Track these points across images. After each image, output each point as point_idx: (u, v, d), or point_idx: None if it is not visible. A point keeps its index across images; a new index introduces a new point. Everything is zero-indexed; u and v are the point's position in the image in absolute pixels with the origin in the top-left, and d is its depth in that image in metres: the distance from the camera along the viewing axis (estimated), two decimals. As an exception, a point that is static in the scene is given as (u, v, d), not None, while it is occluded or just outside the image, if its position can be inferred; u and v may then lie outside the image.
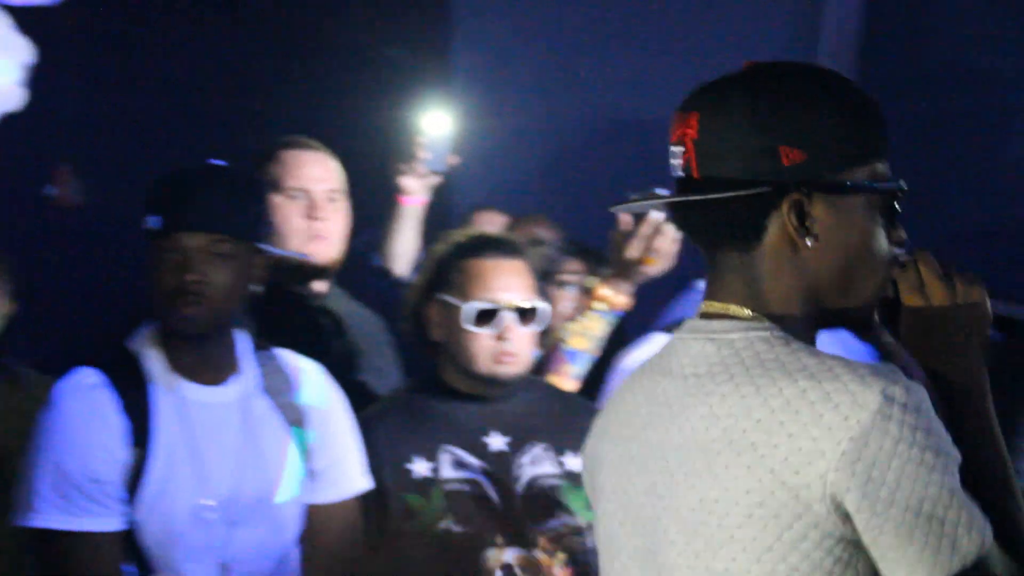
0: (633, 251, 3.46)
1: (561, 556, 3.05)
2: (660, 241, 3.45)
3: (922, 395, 1.63)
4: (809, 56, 5.65)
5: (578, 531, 3.09)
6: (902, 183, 1.78)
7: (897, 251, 1.80)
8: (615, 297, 3.51)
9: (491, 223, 4.55)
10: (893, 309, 1.82)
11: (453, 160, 3.81)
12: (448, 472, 3.06)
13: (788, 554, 1.64)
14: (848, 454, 1.60)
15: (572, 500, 3.11)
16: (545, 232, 4.59)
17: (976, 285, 1.82)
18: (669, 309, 4.05)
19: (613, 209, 2.04)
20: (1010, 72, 5.84)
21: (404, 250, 3.84)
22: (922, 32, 5.83)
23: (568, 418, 3.19)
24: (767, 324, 1.74)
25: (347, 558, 2.92)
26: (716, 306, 1.79)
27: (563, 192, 5.39)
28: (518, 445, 3.12)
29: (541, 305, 3.16)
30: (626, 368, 3.55)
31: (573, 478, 3.12)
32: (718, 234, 1.78)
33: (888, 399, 1.61)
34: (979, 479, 1.67)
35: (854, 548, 1.64)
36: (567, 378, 3.51)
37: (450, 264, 3.16)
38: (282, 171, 3.47)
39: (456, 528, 3.01)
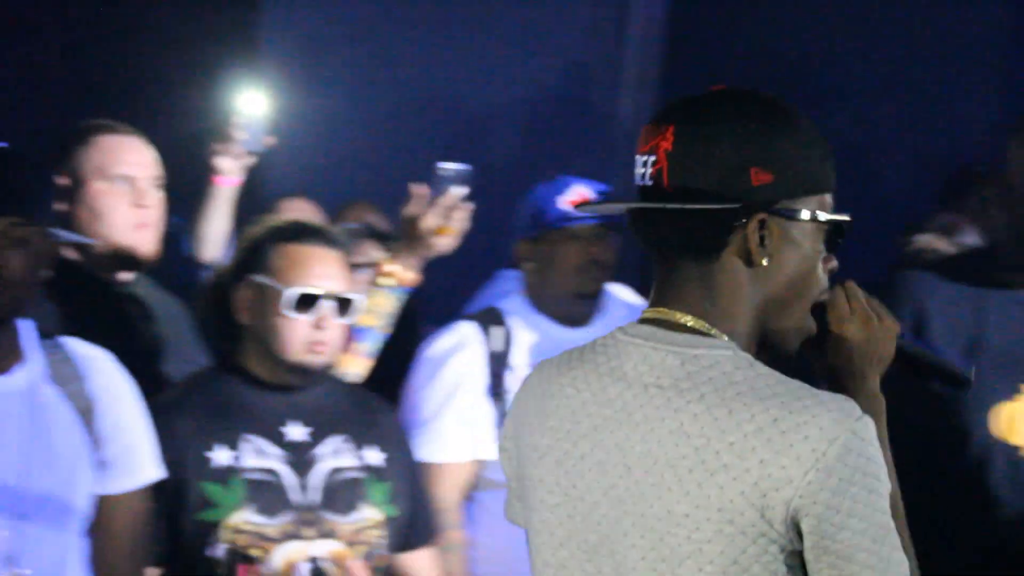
0: (429, 221, 3.45)
1: (361, 549, 3.04)
2: (456, 215, 3.46)
3: (873, 428, 1.77)
4: (617, 43, 5.71)
5: (377, 525, 3.09)
6: (847, 217, 1.89)
7: (824, 280, 1.92)
8: (403, 273, 3.49)
9: (299, 211, 4.51)
10: (817, 339, 1.95)
11: (269, 141, 3.76)
12: (249, 461, 3.01)
13: (751, 566, 1.76)
14: (814, 484, 1.73)
15: (372, 494, 3.11)
16: (372, 219, 4.57)
17: (891, 319, 1.96)
18: (476, 298, 4.07)
19: (577, 210, 2.03)
20: (818, 56, 5.98)
21: (215, 232, 3.78)
22: (729, 16, 5.94)
23: (363, 412, 3.17)
24: (728, 343, 1.84)
25: (137, 548, 2.85)
26: (666, 312, 1.87)
27: (373, 178, 5.36)
28: (319, 437, 3.08)
29: (358, 297, 3.14)
30: (434, 358, 3.57)
31: (372, 471, 3.10)
32: (679, 243, 1.86)
33: (852, 433, 1.74)
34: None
35: (800, 559, 1.77)
36: (358, 356, 3.47)
37: (268, 247, 3.10)
38: (103, 157, 3.36)
39: (258, 519, 2.98)
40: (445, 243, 3.50)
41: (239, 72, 4.30)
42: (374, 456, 3.13)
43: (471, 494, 3.55)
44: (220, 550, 2.95)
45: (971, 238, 4.09)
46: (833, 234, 1.90)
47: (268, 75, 4.44)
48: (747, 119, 1.84)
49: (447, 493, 3.47)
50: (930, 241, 3.95)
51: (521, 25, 5.59)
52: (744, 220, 1.83)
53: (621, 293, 3.79)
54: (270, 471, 3.02)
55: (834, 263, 1.93)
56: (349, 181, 5.42)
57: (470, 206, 3.48)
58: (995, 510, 2.81)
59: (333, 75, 5.81)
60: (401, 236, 3.53)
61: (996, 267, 2.85)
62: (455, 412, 3.50)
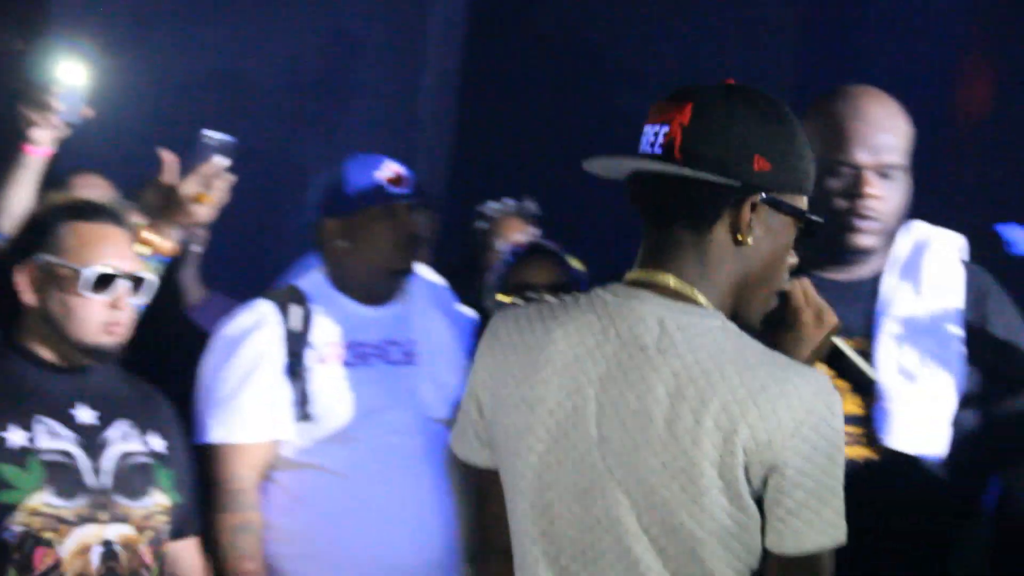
0: (187, 188, 3.40)
1: (149, 534, 3.01)
2: (217, 184, 3.41)
3: (841, 404, 2.01)
4: (418, 25, 5.70)
5: (165, 511, 3.05)
6: (821, 220, 2.13)
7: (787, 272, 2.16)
8: (161, 242, 3.42)
9: (92, 186, 4.39)
10: (772, 318, 2.22)
11: (87, 112, 3.65)
12: (44, 443, 2.94)
13: (735, 513, 1.98)
14: (791, 448, 1.97)
15: (160, 479, 3.07)
16: (100, 189, 4.44)
17: (834, 317, 2.27)
18: (279, 280, 4.03)
19: (587, 166, 2.27)
20: (610, 43, 6.06)
21: (19, 202, 3.65)
22: (530, 5, 5.97)
23: (142, 397, 3.15)
24: (716, 312, 2.05)
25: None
26: (653, 274, 2.07)
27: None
28: (106, 420, 3.03)
29: (150, 277, 3.08)
30: (231, 337, 3.52)
31: (158, 457, 3.08)
32: (678, 210, 2.06)
33: (827, 406, 1.99)
34: None
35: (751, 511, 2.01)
36: None
37: (55, 226, 3.02)
38: None
39: (56, 501, 2.91)
40: (204, 212, 3.43)
41: (52, 42, 4.17)
42: (157, 443, 3.11)
43: (270, 475, 3.52)
44: (15, 533, 2.88)
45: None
46: (803, 232, 2.12)
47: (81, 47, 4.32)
48: (758, 112, 2.06)
49: (244, 473, 3.44)
50: None
51: (320, 11, 5.55)
52: (740, 199, 2.05)
53: (425, 272, 3.79)
54: (65, 453, 2.96)
55: (795, 259, 2.15)
56: (143, 158, 5.30)
57: (232, 177, 3.43)
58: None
59: (127, 49, 5.67)
60: (156, 205, 3.45)
61: None
62: (252, 391, 3.46)
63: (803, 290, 2.28)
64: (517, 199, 4.18)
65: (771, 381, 1.99)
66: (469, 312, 3.79)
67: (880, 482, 2.88)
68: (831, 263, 2.96)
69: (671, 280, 2.07)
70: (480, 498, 2.28)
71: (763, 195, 2.06)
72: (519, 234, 4.11)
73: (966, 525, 2.99)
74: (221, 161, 3.42)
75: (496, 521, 2.22)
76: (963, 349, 2.97)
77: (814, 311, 2.27)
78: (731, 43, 6.16)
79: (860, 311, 2.98)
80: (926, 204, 3.18)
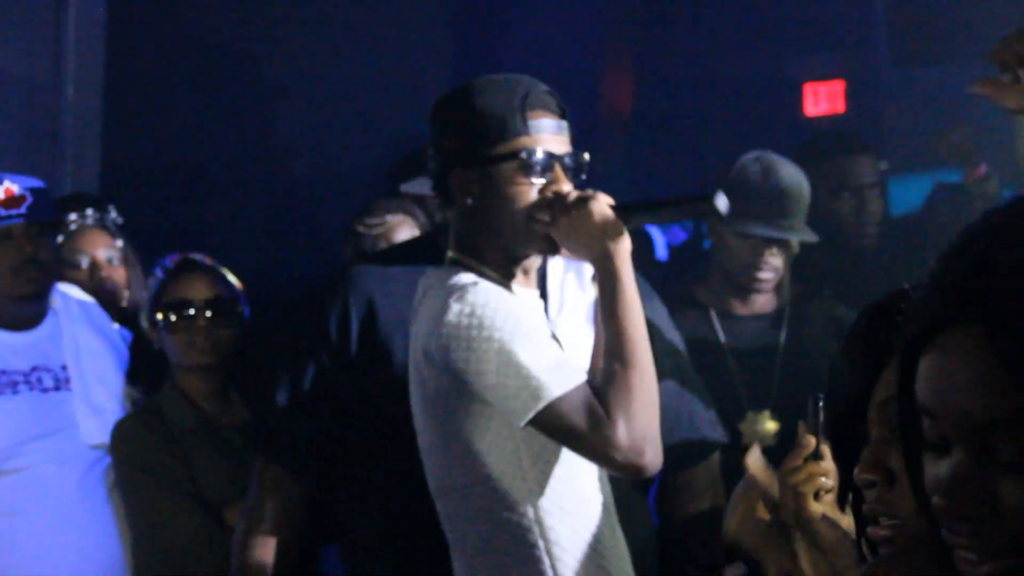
0: None
1: None
2: None
3: (482, 297, 2.40)
4: (56, 38, 5.51)
5: None
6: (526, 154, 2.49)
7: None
8: None
9: None
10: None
11: None
12: None
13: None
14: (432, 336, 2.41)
15: None
16: None
17: (595, 195, 2.48)
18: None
19: (404, 188, 2.99)
20: (261, 51, 6.00)
21: None
22: (168, 9, 5.85)
23: None
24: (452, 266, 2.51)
25: None
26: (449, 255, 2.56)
27: None
28: None
29: None
30: None
31: None
32: (443, 204, 2.61)
33: (458, 301, 2.39)
34: (611, 349, 2.44)
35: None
36: None
37: None
38: None
39: None
40: None
41: None
42: None
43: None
44: None
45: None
46: (539, 164, 2.49)
47: None
48: (439, 106, 2.56)
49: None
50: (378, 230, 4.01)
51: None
52: (449, 177, 2.52)
53: (71, 291, 3.65)
54: None
55: (557, 186, 2.50)
56: None
57: None
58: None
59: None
60: None
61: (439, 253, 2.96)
62: None
63: (541, 195, 2.51)
64: (103, 210, 3.95)
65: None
66: (124, 330, 3.68)
67: None
68: None
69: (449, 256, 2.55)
70: None
71: (463, 167, 2.50)
72: (101, 247, 3.92)
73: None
74: None
75: None
76: None
77: (560, 212, 2.49)
78: (388, 43, 6.19)
79: None
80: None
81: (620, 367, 2.43)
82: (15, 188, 3.43)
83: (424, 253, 2.72)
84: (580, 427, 2.38)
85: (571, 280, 3.02)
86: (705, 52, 6.09)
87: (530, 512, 2.45)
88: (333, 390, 2.74)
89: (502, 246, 2.53)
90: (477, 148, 2.50)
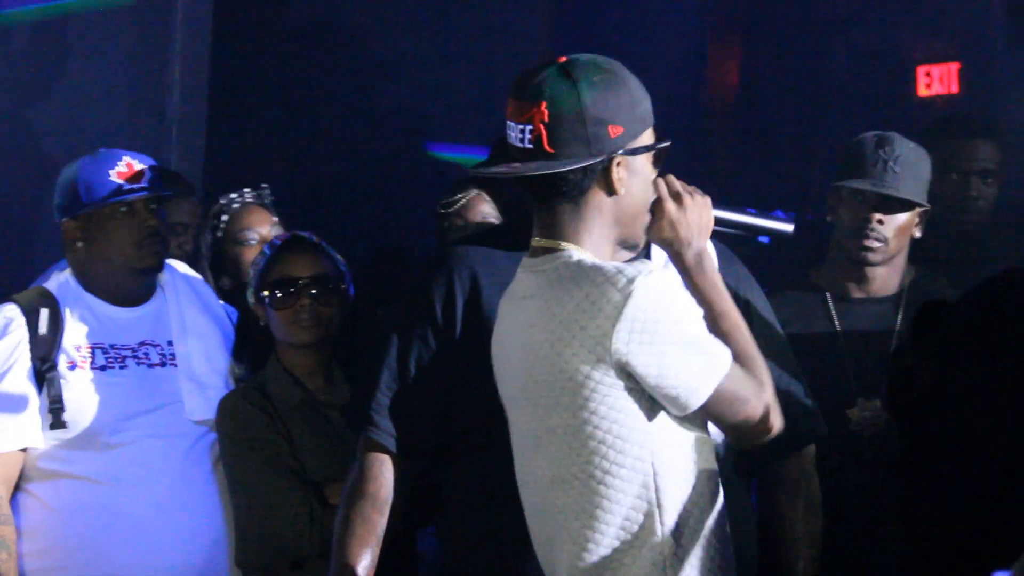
0: None
1: None
2: None
3: (661, 281, 2.37)
4: (164, 21, 5.56)
5: None
6: (668, 142, 2.51)
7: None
8: None
9: None
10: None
11: None
12: None
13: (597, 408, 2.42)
14: (621, 333, 2.35)
15: None
16: None
17: (700, 194, 2.55)
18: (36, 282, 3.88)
19: (474, 172, 2.88)
20: (374, 25, 6.01)
21: None
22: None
23: None
24: (571, 249, 2.44)
25: None
26: (545, 242, 2.46)
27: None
28: None
29: None
30: None
31: None
32: (557, 190, 2.44)
33: (637, 286, 2.34)
34: (720, 329, 2.47)
35: (638, 397, 2.42)
36: None
37: None
38: None
39: None
40: None
41: None
42: None
43: (23, 486, 3.38)
44: None
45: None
46: (660, 155, 2.51)
47: None
48: (599, 85, 2.43)
49: (-7, 487, 3.30)
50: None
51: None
52: (607, 165, 2.43)
53: (180, 268, 3.69)
54: None
55: (666, 176, 2.54)
56: None
57: None
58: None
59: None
60: None
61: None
62: (-1, 400, 3.33)
63: (664, 182, 2.55)
64: (258, 188, 4.07)
65: (592, 287, 2.41)
66: (228, 307, 3.71)
67: None
68: None
69: (549, 242, 2.46)
70: None
71: (621, 153, 2.44)
72: (266, 225, 4.02)
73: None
74: None
75: None
76: None
77: (674, 197, 2.54)
78: (492, 23, 6.17)
79: None
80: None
81: (735, 342, 2.47)
82: (136, 163, 3.48)
83: (521, 235, 2.68)
84: (746, 394, 2.43)
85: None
86: (815, 32, 5.99)
87: (656, 511, 2.42)
88: (437, 368, 2.73)
89: (628, 233, 2.54)
90: (635, 134, 2.48)
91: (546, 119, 2.43)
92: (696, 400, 2.40)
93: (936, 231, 3.70)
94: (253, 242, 4.00)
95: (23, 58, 5.43)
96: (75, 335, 3.43)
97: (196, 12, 5.56)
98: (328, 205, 5.45)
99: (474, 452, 2.76)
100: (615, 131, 2.44)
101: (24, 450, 3.36)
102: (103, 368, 3.42)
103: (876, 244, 3.51)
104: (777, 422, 2.49)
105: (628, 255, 2.59)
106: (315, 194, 5.45)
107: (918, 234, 3.54)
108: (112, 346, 3.46)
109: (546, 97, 2.43)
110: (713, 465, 2.52)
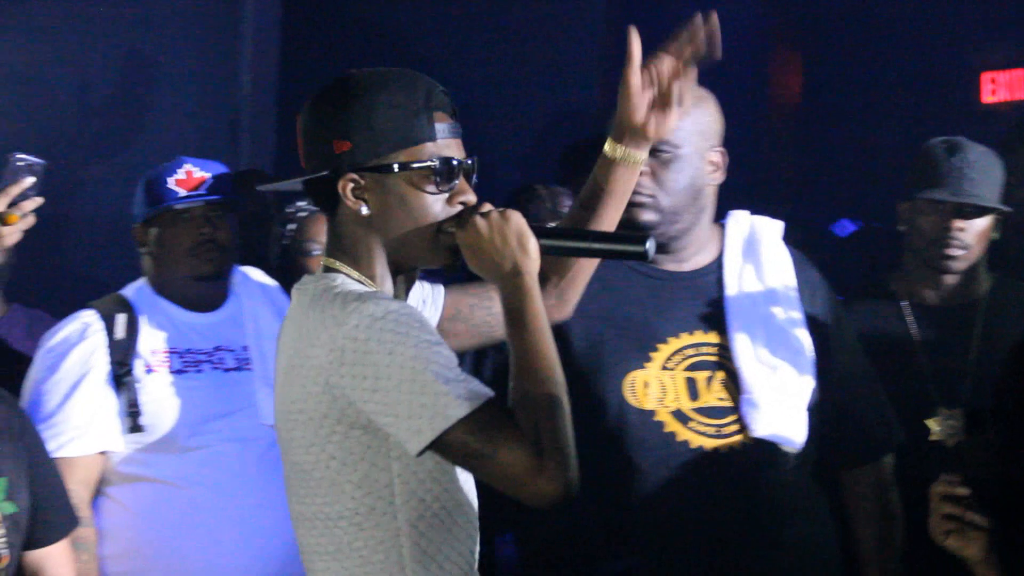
0: None
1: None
2: (26, 205, 3.28)
3: (384, 309, 2.15)
4: (233, 20, 5.59)
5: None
6: (448, 157, 2.28)
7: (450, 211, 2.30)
8: None
9: None
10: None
11: None
12: None
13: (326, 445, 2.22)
14: (334, 363, 2.17)
15: None
16: None
17: (507, 212, 2.27)
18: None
19: (261, 188, 2.61)
20: (410, 24, 6.03)
21: None
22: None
23: None
24: (342, 271, 2.29)
25: None
26: (325, 260, 2.33)
27: None
28: None
29: None
30: (55, 348, 3.40)
31: None
32: (320, 206, 2.34)
33: (352, 313, 2.15)
34: (522, 369, 2.17)
35: (362, 431, 2.19)
36: None
37: None
38: None
39: None
40: (12, 232, 3.28)
41: None
42: None
43: (103, 489, 3.41)
44: None
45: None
46: (439, 173, 2.27)
47: None
48: (329, 102, 2.28)
49: (74, 488, 3.31)
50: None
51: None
52: (335, 182, 2.27)
53: (254, 274, 3.71)
54: None
55: (465, 196, 2.30)
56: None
57: (40, 200, 3.29)
58: (631, 472, 2.92)
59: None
60: None
61: None
62: (78, 404, 3.36)
63: (464, 214, 2.30)
64: None
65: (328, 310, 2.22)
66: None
67: (747, 470, 2.90)
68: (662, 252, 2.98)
69: (327, 260, 2.33)
70: None
71: (350, 171, 2.26)
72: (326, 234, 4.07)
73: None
74: (28, 181, 3.29)
75: None
76: (807, 336, 3.01)
77: (468, 223, 2.27)
78: (543, 24, 6.18)
79: (706, 302, 3.00)
80: (743, 190, 3.23)
81: (532, 386, 2.15)
82: (196, 170, 3.51)
83: None
84: (489, 449, 2.11)
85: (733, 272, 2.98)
86: (879, 37, 5.97)
87: (394, 554, 2.23)
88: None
89: (399, 257, 2.31)
90: (377, 152, 2.26)
91: (300, 133, 2.33)
92: (416, 444, 2.13)
93: (1013, 238, 3.68)
94: (316, 252, 4.04)
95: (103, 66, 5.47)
96: (151, 340, 3.46)
97: (265, 10, 5.58)
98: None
99: None
100: (340, 146, 2.26)
101: (104, 453, 3.39)
102: (179, 372, 3.45)
103: (958, 252, 3.49)
104: (550, 488, 2.10)
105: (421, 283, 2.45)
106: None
107: (996, 236, 3.53)
108: (188, 351, 3.48)
109: (301, 111, 2.33)
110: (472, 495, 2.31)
